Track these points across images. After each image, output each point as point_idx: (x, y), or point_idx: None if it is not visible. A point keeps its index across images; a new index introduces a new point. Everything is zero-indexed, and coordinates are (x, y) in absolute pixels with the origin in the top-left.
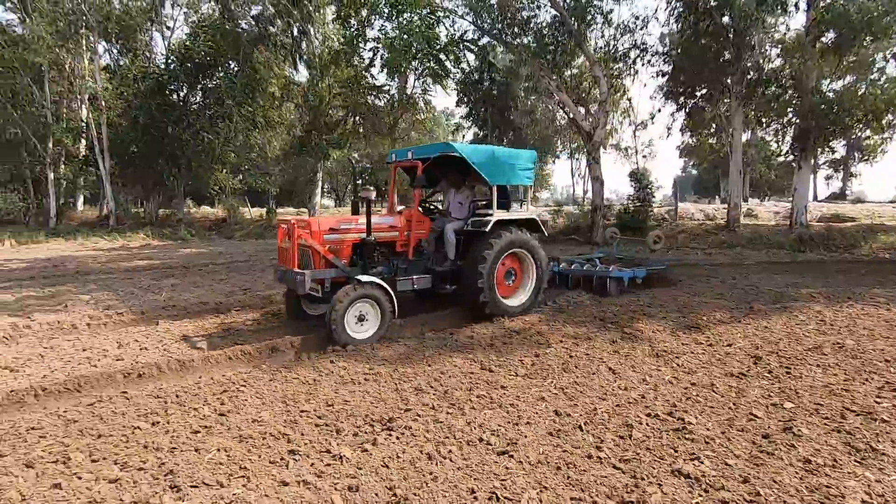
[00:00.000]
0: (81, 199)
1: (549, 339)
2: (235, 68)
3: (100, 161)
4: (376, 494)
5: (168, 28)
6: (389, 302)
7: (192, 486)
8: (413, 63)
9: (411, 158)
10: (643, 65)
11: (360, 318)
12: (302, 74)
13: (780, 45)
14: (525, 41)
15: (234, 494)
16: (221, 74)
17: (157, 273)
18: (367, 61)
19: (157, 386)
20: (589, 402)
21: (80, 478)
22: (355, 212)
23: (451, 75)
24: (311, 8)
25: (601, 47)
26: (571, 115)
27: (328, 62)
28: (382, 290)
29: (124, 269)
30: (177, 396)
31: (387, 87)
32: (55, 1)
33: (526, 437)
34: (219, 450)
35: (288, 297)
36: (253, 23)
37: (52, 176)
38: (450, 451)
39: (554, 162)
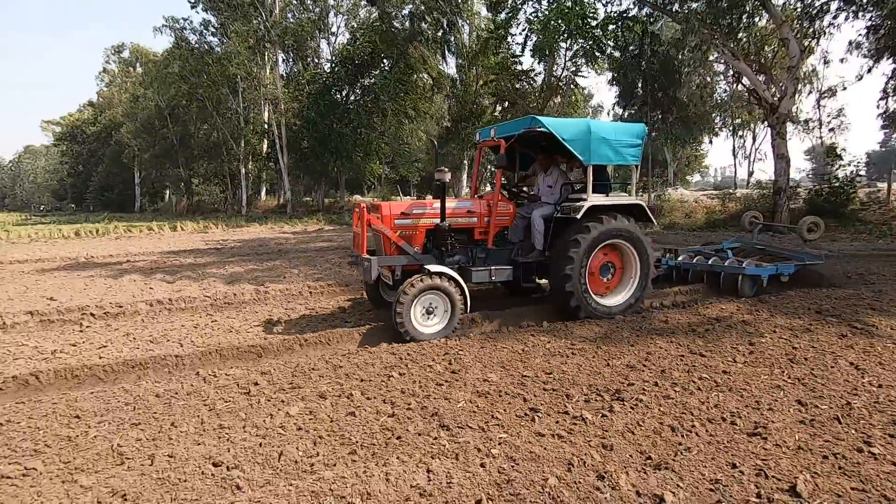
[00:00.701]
0: (264, 190)
1: (760, 329)
2: (389, 66)
3: (279, 157)
4: (630, 456)
5: (332, 34)
6: (460, 295)
7: (458, 428)
8: (564, 44)
9: (494, 137)
10: (847, 19)
11: (428, 312)
12: (451, 66)
13: None
14: (694, 7)
15: (500, 438)
16: (377, 72)
17: (339, 252)
18: (516, 47)
19: (389, 344)
20: (837, 395)
21: (365, 410)
22: (436, 196)
23: (606, 53)
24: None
25: (791, 4)
26: (751, 86)
27: (477, 51)
28: (453, 281)
29: (313, 248)
30: (408, 355)
31: (535, 72)
32: (247, 22)
33: (773, 422)
34: (466, 401)
35: (367, 285)
36: (406, 21)
37: (244, 171)
38: (693, 426)
39: (711, 141)
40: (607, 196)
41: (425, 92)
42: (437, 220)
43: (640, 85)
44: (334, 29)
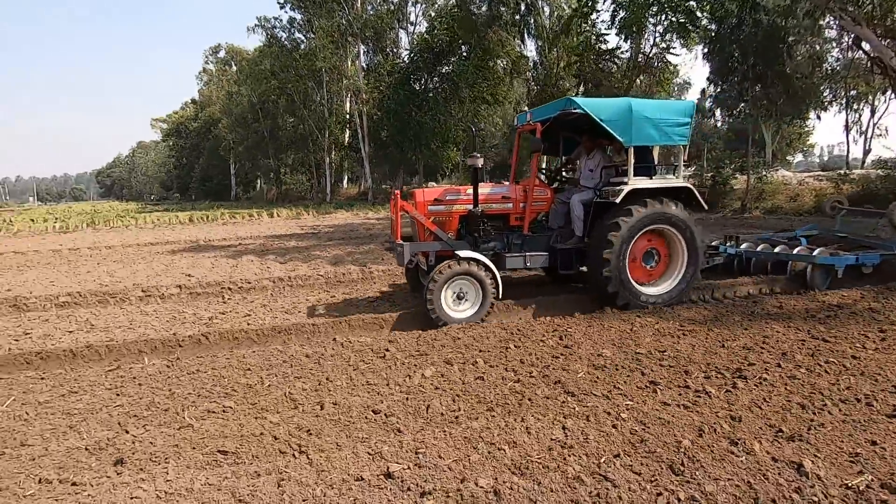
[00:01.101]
0: (346, 178)
1: (891, 317)
2: (466, 52)
3: (361, 146)
4: (760, 428)
5: (411, 23)
6: (492, 280)
7: (583, 394)
8: (653, 19)
9: (530, 121)
10: None
11: (460, 297)
12: (530, 49)
13: None
14: None
15: (626, 405)
16: (454, 59)
17: None
18: (601, 25)
19: (497, 321)
20: None
21: (491, 375)
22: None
23: (700, 28)
24: None
25: None
26: (873, 53)
27: (558, 32)
28: (484, 267)
29: None
30: (519, 330)
31: (621, 50)
32: (330, 17)
33: None
34: (584, 372)
35: (407, 270)
36: (483, 6)
37: (328, 160)
38: (824, 404)
39: (819, 117)
40: (651, 179)
41: (503, 77)
42: (470, 206)
43: (737, 59)
44: (412, 18)
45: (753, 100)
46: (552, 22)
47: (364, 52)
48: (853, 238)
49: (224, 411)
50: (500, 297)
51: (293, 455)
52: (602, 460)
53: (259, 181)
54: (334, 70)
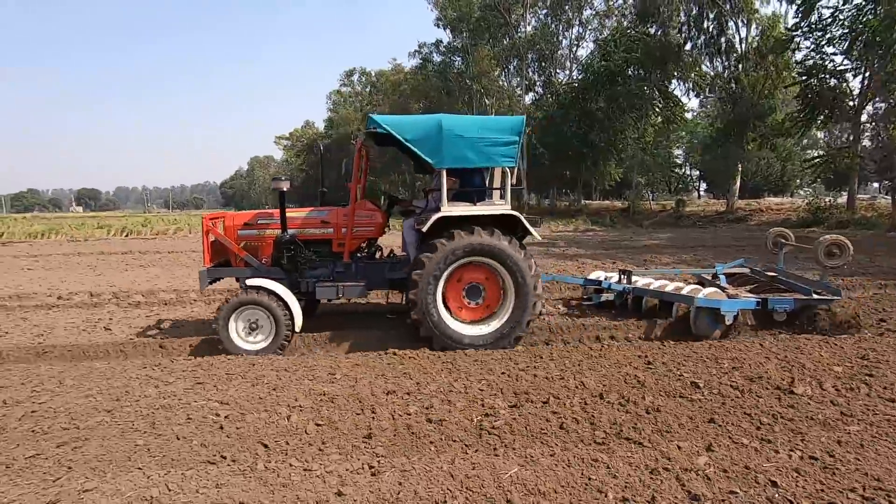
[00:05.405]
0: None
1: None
2: (645, 74)
3: (519, 163)
4: None
5: (576, 44)
6: (284, 310)
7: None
8: None
9: (353, 141)
10: None
11: (253, 328)
12: (717, 68)
13: None
14: None
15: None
16: (626, 80)
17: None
18: (827, 44)
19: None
20: None
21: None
22: (323, 203)
23: None
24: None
25: None
26: None
27: (763, 52)
28: (274, 296)
29: (609, 241)
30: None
31: (851, 70)
32: (495, 41)
33: None
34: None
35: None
36: (675, 31)
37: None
38: None
39: None
40: (475, 206)
41: (679, 101)
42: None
43: None
44: (574, 39)
45: None
46: (752, 40)
47: (526, 72)
48: (783, 278)
49: None
50: (297, 328)
51: None
52: None
53: (381, 197)
54: (500, 91)
